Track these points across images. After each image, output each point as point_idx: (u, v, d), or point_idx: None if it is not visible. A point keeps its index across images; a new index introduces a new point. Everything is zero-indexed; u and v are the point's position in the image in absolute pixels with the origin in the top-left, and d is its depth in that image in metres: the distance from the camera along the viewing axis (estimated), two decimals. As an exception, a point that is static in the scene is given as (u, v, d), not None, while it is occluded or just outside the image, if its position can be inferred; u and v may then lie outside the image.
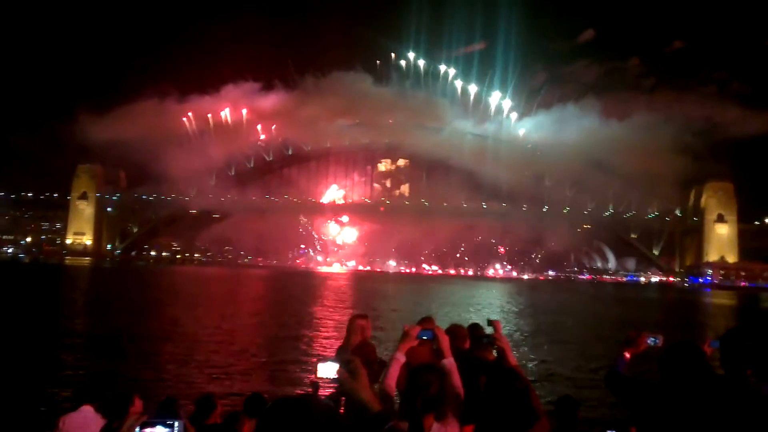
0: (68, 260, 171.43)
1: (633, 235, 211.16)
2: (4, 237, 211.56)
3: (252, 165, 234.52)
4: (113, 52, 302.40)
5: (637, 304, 78.15)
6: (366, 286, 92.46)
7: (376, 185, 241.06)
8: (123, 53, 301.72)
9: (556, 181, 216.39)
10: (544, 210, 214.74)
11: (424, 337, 4.29)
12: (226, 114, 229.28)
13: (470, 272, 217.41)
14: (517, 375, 4.25)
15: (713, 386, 3.69)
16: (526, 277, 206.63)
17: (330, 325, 36.08)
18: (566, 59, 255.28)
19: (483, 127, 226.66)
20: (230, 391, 16.55)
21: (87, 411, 6.43)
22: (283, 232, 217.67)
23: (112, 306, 43.24)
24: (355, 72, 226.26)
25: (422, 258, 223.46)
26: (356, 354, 5.59)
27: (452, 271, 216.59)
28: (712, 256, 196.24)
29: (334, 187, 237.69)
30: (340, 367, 4.33)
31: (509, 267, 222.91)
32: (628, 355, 4.58)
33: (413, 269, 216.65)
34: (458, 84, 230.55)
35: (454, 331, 5.89)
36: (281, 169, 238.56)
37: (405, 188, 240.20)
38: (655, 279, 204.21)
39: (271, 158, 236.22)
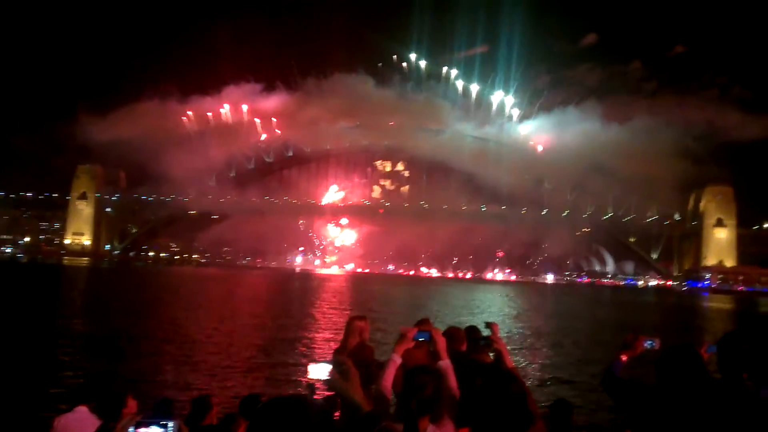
0: (66, 260, 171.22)
1: (632, 239, 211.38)
2: (3, 236, 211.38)
3: (252, 166, 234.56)
4: (114, 53, 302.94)
5: (635, 308, 78.18)
6: (364, 288, 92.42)
7: (375, 187, 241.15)
8: (124, 53, 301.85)
9: (556, 184, 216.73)
10: (544, 213, 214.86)
11: (420, 339, 4.28)
12: (226, 111, 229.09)
13: (469, 275, 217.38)
14: (514, 378, 4.23)
15: (710, 390, 3.68)
16: (523, 279, 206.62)
17: (328, 327, 36.05)
18: (568, 63, 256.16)
19: (484, 129, 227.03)
20: (227, 393, 16.52)
21: (82, 411, 6.40)
22: (282, 234, 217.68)
23: (110, 306, 43.19)
24: (357, 74, 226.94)
25: (421, 261, 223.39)
26: (354, 356, 5.58)
27: (451, 274, 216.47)
28: (710, 260, 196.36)
29: (333, 188, 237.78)
30: (332, 368, 4.32)
31: (508, 270, 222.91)
32: (624, 358, 4.58)
33: (412, 272, 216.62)
34: (459, 84, 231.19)
35: (451, 333, 5.88)
36: (281, 170, 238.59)
37: (405, 190, 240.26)
38: (653, 283, 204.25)
39: (271, 159, 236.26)
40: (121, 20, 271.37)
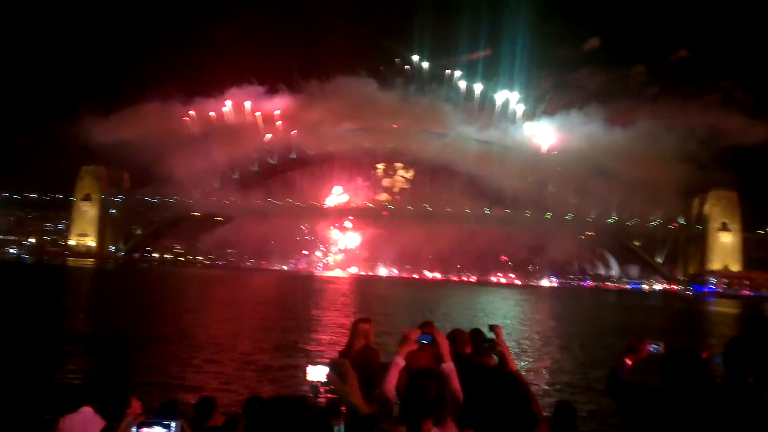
0: (71, 261, 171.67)
1: (636, 243, 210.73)
2: (8, 237, 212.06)
3: (256, 168, 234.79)
4: (117, 53, 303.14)
5: (640, 312, 77.91)
6: (368, 291, 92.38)
7: (379, 190, 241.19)
8: (127, 54, 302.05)
9: (560, 187, 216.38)
10: (548, 216, 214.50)
11: (424, 341, 4.28)
12: (229, 110, 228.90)
13: (473, 278, 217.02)
14: (518, 380, 4.23)
15: (714, 393, 3.68)
16: (526, 283, 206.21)
17: (333, 329, 36.04)
18: (571, 66, 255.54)
19: (487, 132, 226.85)
20: (231, 395, 16.54)
21: (87, 412, 6.42)
22: (285, 236, 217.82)
23: (114, 308, 43.26)
24: (360, 76, 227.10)
25: (425, 263, 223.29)
26: (359, 358, 5.59)
27: (454, 278, 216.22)
28: (715, 265, 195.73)
29: (337, 191, 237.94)
30: (330, 370, 4.33)
31: (512, 273, 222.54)
32: (629, 362, 4.57)
33: (415, 275, 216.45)
34: (462, 85, 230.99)
35: (455, 335, 5.90)
36: (285, 172, 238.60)
37: (408, 193, 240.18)
38: (658, 287, 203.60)
39: (274, 161, 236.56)
40: (123, 21, 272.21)
